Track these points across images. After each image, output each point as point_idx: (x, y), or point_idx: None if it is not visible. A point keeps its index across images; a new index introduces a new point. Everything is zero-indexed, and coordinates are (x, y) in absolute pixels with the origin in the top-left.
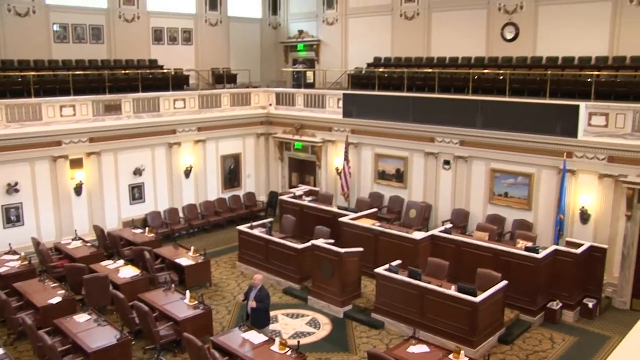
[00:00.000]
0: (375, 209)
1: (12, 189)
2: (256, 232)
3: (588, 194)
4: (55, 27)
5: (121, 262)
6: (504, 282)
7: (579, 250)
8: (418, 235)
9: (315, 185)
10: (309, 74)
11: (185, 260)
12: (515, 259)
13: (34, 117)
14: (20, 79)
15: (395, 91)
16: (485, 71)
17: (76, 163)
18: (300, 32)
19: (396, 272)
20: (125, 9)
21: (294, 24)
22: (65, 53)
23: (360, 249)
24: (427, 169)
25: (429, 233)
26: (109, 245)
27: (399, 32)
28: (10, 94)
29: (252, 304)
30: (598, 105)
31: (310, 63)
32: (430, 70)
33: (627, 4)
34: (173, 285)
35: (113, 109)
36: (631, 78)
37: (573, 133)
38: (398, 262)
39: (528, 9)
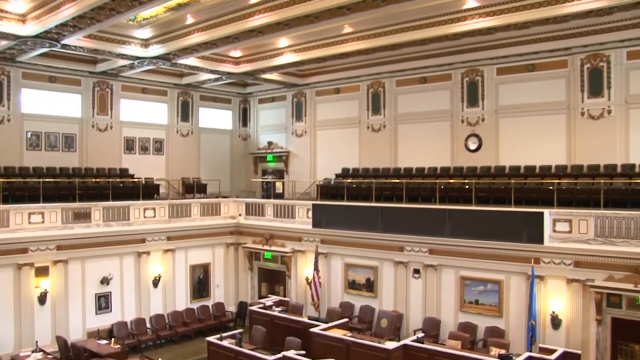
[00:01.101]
0: (346, 319)
1: None
2: (226, 343)
3: (558, 299)
4: (28, 135)
5: None
6: None
7: (553, 357)
8: (390, 345)
9: (285, 296)
10: (279, 184)
11: None
12: None
13: (1, 224)
14: None
15: (364, 201)
16: (451, 181)
17: (42, 271)
18: (270, 143)
19: None
20: (99, 119)
21: (263, 135)
22: (38, 160)
23: None
24: (397, 277)
25: (402, 343)
26: (72, 357)
27: (367, 143)
28: None
29: None
30: (561, 212)
31: (280, 174)
32: (397, 180)
33: (579, 117)
34: None
35: (82, 216)
36: (589, 185)
37: (539, 239)
38: None
39: (489, 121)
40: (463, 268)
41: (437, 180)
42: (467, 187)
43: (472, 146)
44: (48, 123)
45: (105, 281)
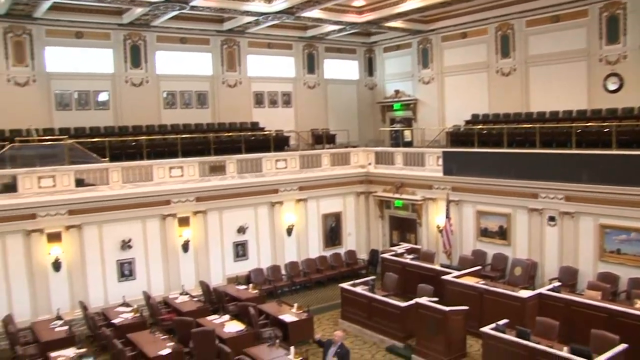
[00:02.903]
0: (478, 267)
1: (125, 245)
2: (359, 289)
3: None
4: (165, 95)
5: (226, 317)
6: (624, 346)
7: None
8: (525, 293)
9: (416, 243)
10: (407, 132)
11: (288, 316)
12: (634, 320)
13: (146, 178)
14: (134, 143)
15: (495, 147)
16: (589, 124)
17: (184, 221)
18: (397, 91)
19: (503, 332)
20: (228, 75)
21: (390, 84)
22: (174, 118)
23: (465, 308)
24: (532, 225)
25: (537, 291)
26: (215, 300)
27: (496, 88)
28: (126, 157)
29: None
30: None
31: (408, 122)
32: (530, 125)
33: None
34: (277, 341)
35: (218, 169)
36: None
37: None
38: (505, 321)
39: (632, 58)
40: (603, 216)
41: (573, 124)
42: (606, 130)
43: (612, 87)
44: (181, 82)
45: (241, 230)
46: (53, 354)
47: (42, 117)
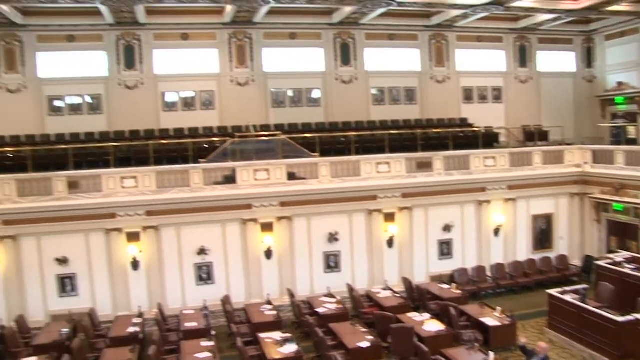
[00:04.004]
0: None
1: (332, 238)
2: (568, 298)
3: None
4: (374, 91)
5: (427, 315)
6: None
7: None
8: None
9: (638, 252)
10: (631, 129)
11: (490, 320)
12: None
13: (354, 173)
14: (343, 139)
15: None
16: None
17: (389, 217)
18: (620, 84)
19: None
20: (437, 71)
21: (611, 75)
22: (382, 114)
23: None
24: None
25: None
26: (416, 297)
27: None
28: (335, 152)
29: None
30: None
31: (632, 117)
32: None
33: None
34: (477, 344)
35: (425, 166)
36: None
37: None
38: None
39: None
40: None
41: None
42: None
43: None
44: (390, 79)
45: (447, 229)
46: (262, 335)
47: (260, 114)
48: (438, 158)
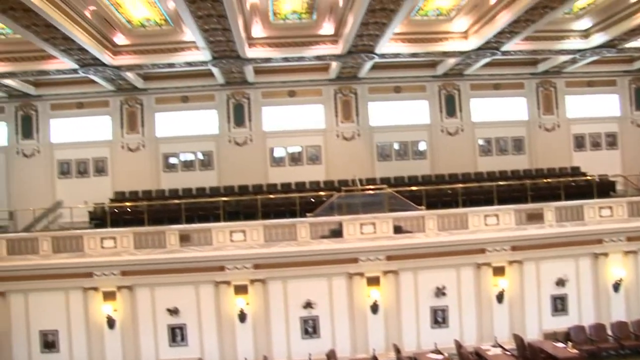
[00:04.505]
0: None
1: (440, 292)
2: None
3: None
4: (480, 142)
5: None
6: None
7: None
8: None
9: None
10: None
11: None
12: None
13: (461, 226)
14: (449, 191)
15: None
16: None
17: (498, 271)
18: None
19: None
20: (545, 119)
21: None
22: (489, 165)
23: None
24: None
25: None
26: (528, 356)
27: None
28: (441, 204)
29: None
30: None
31: None
32: None
33: None
34: None
35: (535, 218)
36: None
37: None
38: None
39: None
40: None
41: None
42: None
43: None
44: (496, 128)
45: (560, 283)
46: None
47: (366, 168)
48: (549, 209)
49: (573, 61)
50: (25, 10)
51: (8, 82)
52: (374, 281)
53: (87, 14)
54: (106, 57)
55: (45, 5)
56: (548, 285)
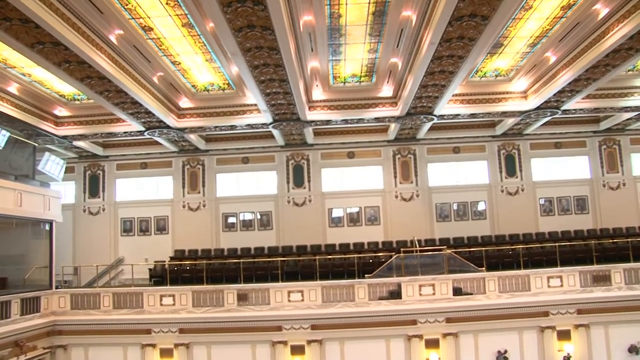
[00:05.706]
0: None
1: (501, 356)
2: None
3: None
4: (542, 201)
5: None
6: None
7: None
8: None
9: None
10: None
11: None
12: None
13: (523, 288)
14: (510, 252)
15: None
16: None
17: (563, 335)
18: None
19: None
20: (610, 177)
21: None
22: (551, 225)
23: None
24: None
25: None
26: None
27: None
28: (502, 265)
29: None
30: None
31: None
32: None
33: None
34: None
35: (602, 279)
36: None
37: None
38: None
39: None
40: None
41: None
42: None
43: None
44: (558, 188)
45: (634, 350)
46: None
47: (425, 228)
48: (617, 270)
49: (638, 118)
50: (100, 77)
51: (80, 143)
52: (433, 344)
53: (155, 79)
54: (171, 120)
55: (118, 72)
56: (620, 352)
